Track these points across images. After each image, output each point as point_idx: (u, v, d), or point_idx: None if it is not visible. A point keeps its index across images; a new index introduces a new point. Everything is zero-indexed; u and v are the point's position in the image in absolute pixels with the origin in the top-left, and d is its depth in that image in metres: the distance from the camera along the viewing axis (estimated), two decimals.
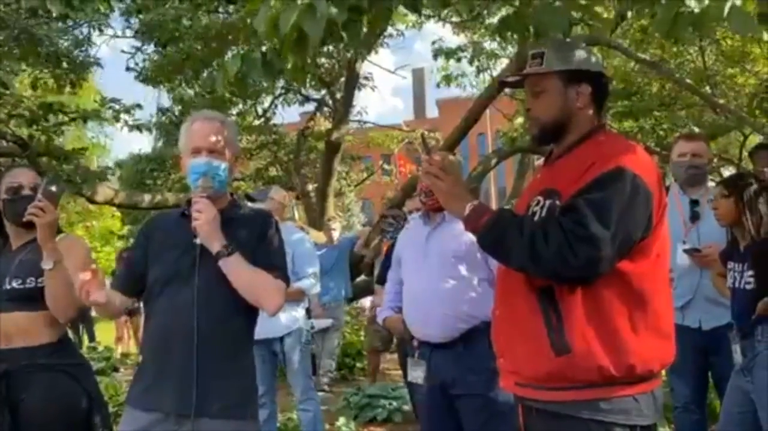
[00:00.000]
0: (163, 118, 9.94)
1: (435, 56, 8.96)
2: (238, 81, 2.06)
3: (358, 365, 6.94)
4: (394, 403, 4.87)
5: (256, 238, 1.97)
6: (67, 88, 7.08)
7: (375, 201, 22.57)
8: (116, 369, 7.39)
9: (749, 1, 1.54)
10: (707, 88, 6.79)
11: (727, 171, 8.63)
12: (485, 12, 6.51)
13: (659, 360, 1.61)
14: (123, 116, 7.33)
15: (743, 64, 7.04)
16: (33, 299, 2.22)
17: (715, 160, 8.53)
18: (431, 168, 1.69)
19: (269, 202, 3.96)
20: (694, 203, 3.22)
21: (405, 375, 3.72)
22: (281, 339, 3.85)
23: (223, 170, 1.96)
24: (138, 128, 7.58)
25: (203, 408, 1.82)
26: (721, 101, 6.50)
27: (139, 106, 7.51)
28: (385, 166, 14.77)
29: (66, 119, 6.92)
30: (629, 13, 5.48)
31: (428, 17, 8.70)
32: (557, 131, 1.73)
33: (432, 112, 37.53)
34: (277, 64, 1.99)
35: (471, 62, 8.78)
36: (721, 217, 2.75)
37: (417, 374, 2.70)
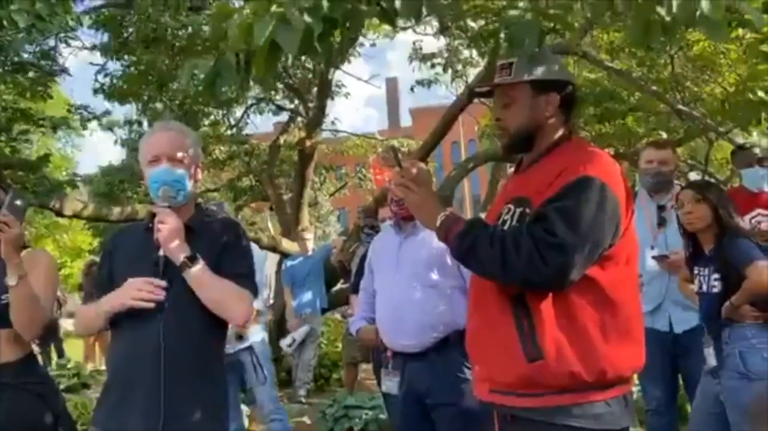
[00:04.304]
0: (132, 133, 9.80)
1: (410, 60, 9.00)
2: (209, 86, 2.00)
3: (335, 376, 6.89)
4: (370, 413, 4.85)
5: (222, 246, 1.93)
6: (33, 98, 6.94)
7: (351, 210, 22.54)
8: (86, 386, 7.24)
9: (717, 9, 1.56)
10: (676, 95, 6.93)
11: (694, 175, 8.83)
12: (462, 23, 6.55)
13: (630, 364, 1.63)
14: (92, 122, 7.19)
15: (710, 74, 7.20)
16: None
17: (682, 165, 8.72)
18: (402, 180, 1.69)
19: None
20: (661, 208, 3.28)
21: (380, 385, 3.71)
22: (250, 349, 3.87)
23: (184, 178, 1.91)
24: (110, 128, 7.41)
25: (171, 426, 1.78)
26: (688, 108, 6.64)
27: (108, 112, 7.39)
28: (360, 175, 14.77)
29: (32, 127, 6.77)
30: (595, 24, 5.58)
31: (404, 29, 8.75)
32: (526, 140, 1.75)
33: (406, 121, 37.72)
34: (248, 70, 1.96)
35: (445, 69, 8.83)
36: (694, 220, 2.71)
37: (391, 384, 2.69)
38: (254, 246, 4.26)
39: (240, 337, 3.80)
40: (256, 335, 3.97)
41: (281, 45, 1.50)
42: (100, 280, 2.02)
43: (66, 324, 9.84)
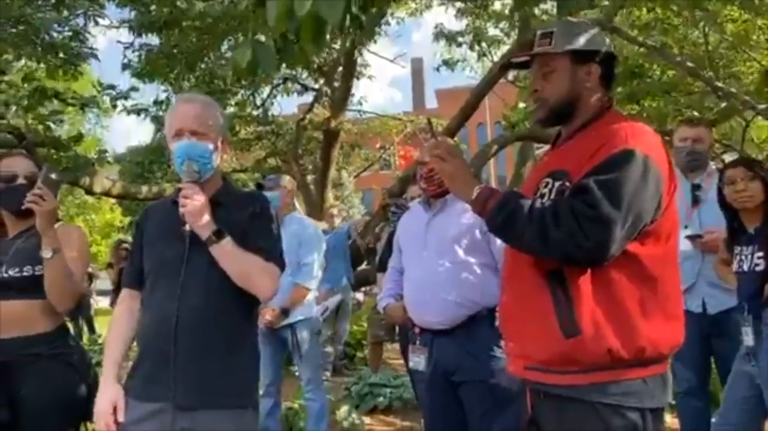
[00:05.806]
0: (161, 111, 9.88)
1: (436, 38, 8.91)
2: (248, 71, 1.96)
3: (359, 354, 6.93)
4: (395, 391, 4.87)
5: (249, 220, 1.91)
6: (63, 77, 7.00)
7: (376, 190, 22.54)
8: None
9: None
10: (710, 72, 6.75)
11: (729, 157, 8.61)
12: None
13: (669, 342, 1.59)
14: (120, 101, 7.24)
15: (745, 51, 6.99)
16: (30, 287, 2.18)
17: (717, 145, 8.50)
18: (437, 151, 1.66)
19: (280, 189, 3.87)
20: (696, 187, 3.20)
21: (407, 363, 3.69)
22: (292, 327, 3.78)
23: (208, 151, 1.89)
24: (137, 112, 7.46)
25: (199, 399, 1.78)
26: (723, 85, 6.46)
27: (134, 89, 7.44)
28: (385, 156, 14.74)
29: (62, 106, 6.84)
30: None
31: (428, 6, 8.63)
32: (566, 111, 1.70)
33: (431, 102, 37.42)
34: (289, 53, 1.92)
35: (471, 48, 8.73)
36: (748, 199, 2.67)
37: (418, 360, 2.68)
38: (315, 228, 4.18)
39: (285, 312, 3.70)
40: (307, 312, 3.85)
41: (323, 16, 1.47)
42: (133, 251, 2.03)
43: (97, 301, 10.02)
